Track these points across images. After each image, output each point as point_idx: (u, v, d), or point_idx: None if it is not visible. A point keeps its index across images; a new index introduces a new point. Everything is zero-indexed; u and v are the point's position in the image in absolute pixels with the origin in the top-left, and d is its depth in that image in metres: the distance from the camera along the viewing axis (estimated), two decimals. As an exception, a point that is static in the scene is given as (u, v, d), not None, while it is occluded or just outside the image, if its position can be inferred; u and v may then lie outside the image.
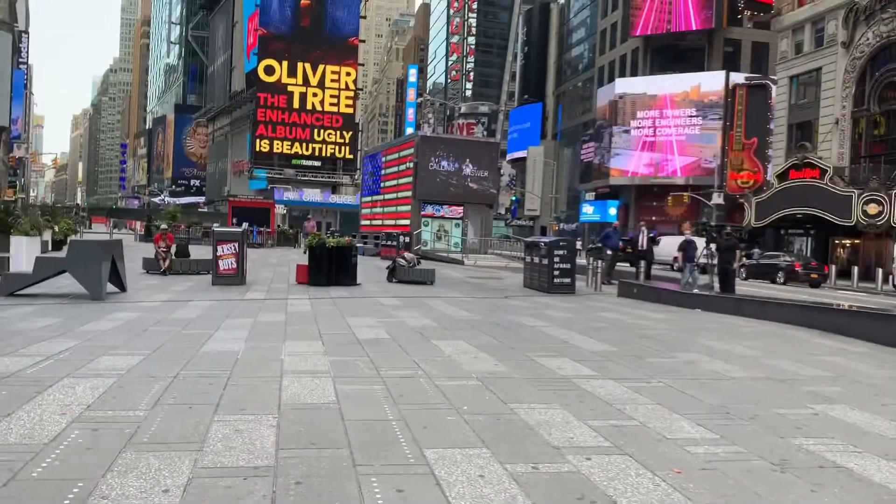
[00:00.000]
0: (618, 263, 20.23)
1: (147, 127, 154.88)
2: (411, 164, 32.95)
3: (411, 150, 33.48)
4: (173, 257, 18.56)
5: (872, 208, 37.03)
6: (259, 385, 5.85)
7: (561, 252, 16.36)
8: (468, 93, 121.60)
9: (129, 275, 17.03)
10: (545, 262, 16.50)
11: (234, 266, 15.88)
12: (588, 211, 74.35)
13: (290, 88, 75.02)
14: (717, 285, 17.14)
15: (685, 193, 58.45)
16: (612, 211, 69.54)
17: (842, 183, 39.29)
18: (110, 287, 12.96)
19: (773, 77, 54.49)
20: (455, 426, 4.86)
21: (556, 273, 16.33)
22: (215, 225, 41.45)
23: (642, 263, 19.27)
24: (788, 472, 4.20)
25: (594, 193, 73.28)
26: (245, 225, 38.98)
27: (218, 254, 15.87)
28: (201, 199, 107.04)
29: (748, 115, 54.02)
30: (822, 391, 6.55)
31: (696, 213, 62.23)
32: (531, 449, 4.43)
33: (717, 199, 54.67)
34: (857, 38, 42.92)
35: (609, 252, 19.07)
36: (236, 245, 15.92)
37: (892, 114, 41.91)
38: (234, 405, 5.18)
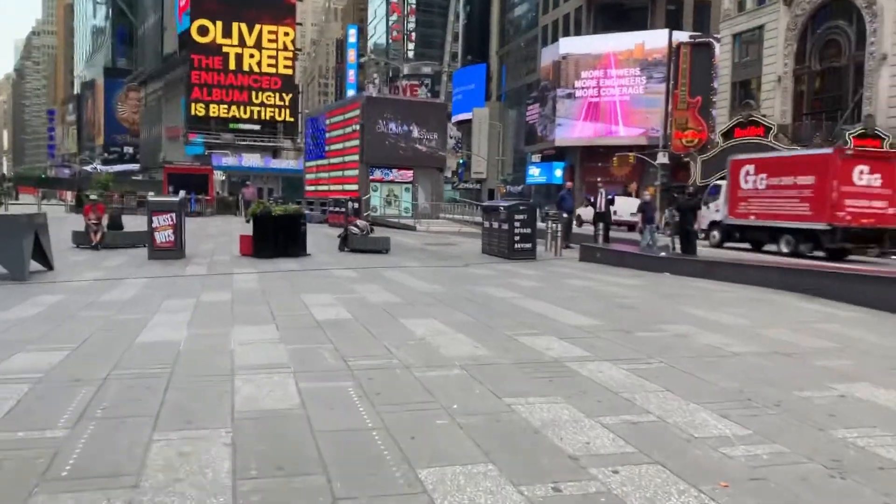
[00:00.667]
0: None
1: (76, 92, 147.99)
2: (357, 127, 31.67)
3: (357, 112, 32.15)
4: (105, 230, 17.21)
5: (816, 165, 37.36)
6: (207, 387, 4.93)
7: (521, 217, 15.64)
8: (410, 54, 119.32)
9: (57, 250, 15.69)
10: (505, 227, 15.76)
11: (172, 238, 14.70)
12: (534, 173, 74.00)
13: (225, 49, 71.98)
14: (678, 246, 16.71)
15: (630, 154, 58.38)
16: (558, 173, 69.30)
17: (786, 140, 39.57)
18: (35, 265, 11.72)
19: (716, 35, 54.55)
20: (448, 433, 4.06)
21: (517, 238, 15.63)
22: (150, 194, 39.53)
23: (601, 226, 18.71)
24: (849, 478, 3.55)
25: (540, 155, 72.88)
26: (182, 193, 37.20)
27: (154, 225, 14.66)
28: (135, 166, 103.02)
29: (692, 74, 54.00)
30: (834, 366, 5.98)
31: (642, 174, 62.47)
32: (544, 461, 3.67)
33: (662, 158, 54.67)
34: (799, -5, 43.02)
35: (565, 215, 18.43)
36: (173, 215, 14.72)
37: (833, 71, 42.29)
38: (177, 416, 4.28)
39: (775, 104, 44.44)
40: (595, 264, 14.95)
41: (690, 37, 56.63)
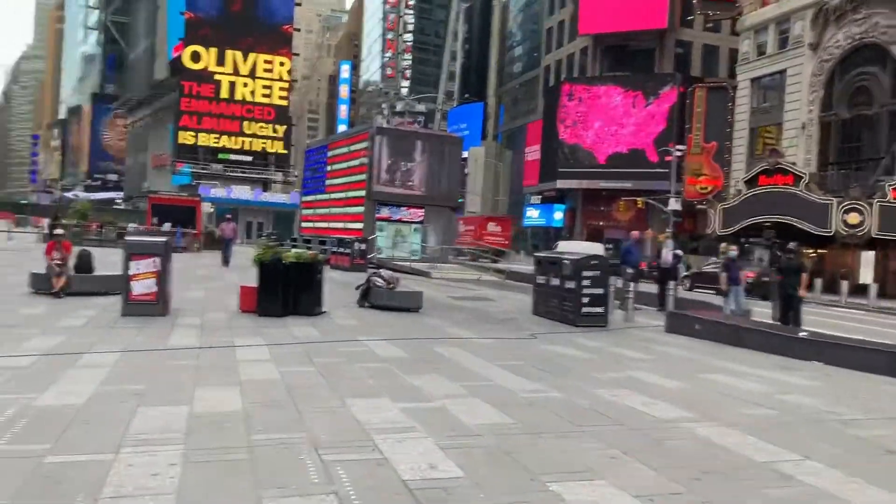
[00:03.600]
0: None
1: (61, 117, 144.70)
2: (365, 160, 28.73)
3: (365, 144, 29.25)
4: (71, 272, 13.97)
5: (853, 217, 34.80)
6: None
7: (592, 273, 12.59)
8: (404, 91, 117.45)
9: (8, 297, 12.46)
10: (570, 285, 12.69)
11: (154, 290, 11.48)
12: (533, 215, 71.47)
13: (217, 77, 69.35)
14: (776, 314, 13.72)
15: (639, 199, 55.86)
16: (559, 215, 66.84)
17: (819, 190, 37.05)
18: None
19: (726, 80, 52.49)
20: None
21: (586, 301, 12.56)
22: (131, 226, 36.25)
23: (670, 285, 15.63)
24: None
25: (540, 197, 70.34)
26: (167, 225, 33.98)
27: (132, 272, 11.44)
28: (119, 194, 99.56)
29: (707, 118, 51.80)
30: None
31: (646, 220, 59.85)
32: None
33: (674, 204, 52.02)
34: (826, 39, 41.02)
35: (630, 271, 15.40)
36: (157, 261, 11.52)
37: (863, 119, 40.12)
38: None
39: (798, 152, 42.18)
40: (694, 339, 11.75)
41: (705, 80, 54.59)
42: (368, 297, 14.11)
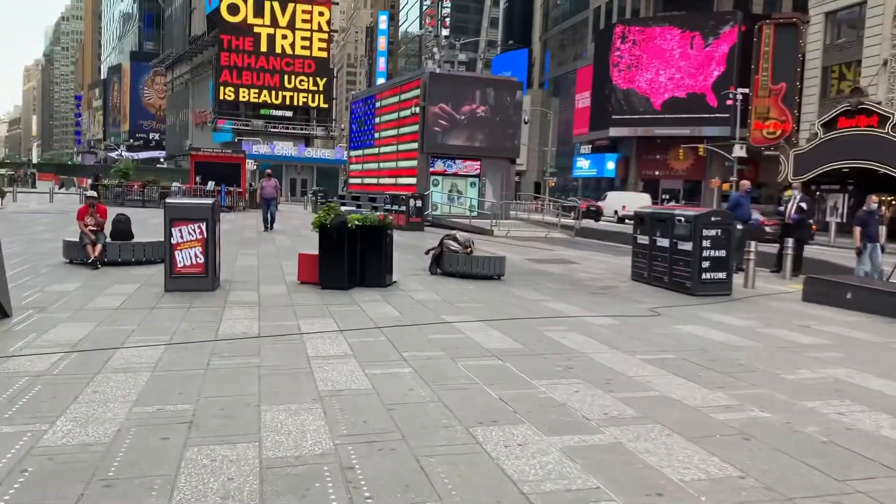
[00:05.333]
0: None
1: (102, 77, 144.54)
2: (417, 110, 26.64)
3: (416, 93, 27.10)
4: (108, 239, 12.40)
5: (950, 161, 31.77)
6: None
7: (714, 232, 10.55)
8: (443, 41, 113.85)
9: (40, 268, 11.01)
10: (686, 246, 10.66)
11: (201, 260, 9.82)
12: (583, 165, 68.76)
13: (256, 30, 67.15)
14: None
15: (701, 145, 52.74)
16: (611, 165, 64.14)
17: (905, 132, 33.92)
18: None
19: (796, 15, 48.79)
20: None
21: (706, 265, 10.55)
22: (174, 185, 34.92)
23: (789, 243, 13.38)
24: None
25: (591, 146, 67.46)
26: (211, 184, 32.54)
27: (174, 241, 9.77)
28: (161, 153, 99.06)
29: (775, 58, 48.27)
30: None
31: (703, 168, 56.79)
32: None
33: (738, 151, 49.04)
34: (914, -35, 37.36)
35: (739, 226, 13.22)
36: (204, 226, 9.82)
37: (955, 53, 36.66)
38: None
39: (879, 91, 38.85)
40: (851, 313, 9.67)
41: (774, 16, 50.86)
42: (441, 263, 12.30)
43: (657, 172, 61.44)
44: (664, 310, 9.32)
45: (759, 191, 55.73)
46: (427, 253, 12.80)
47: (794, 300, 10.65)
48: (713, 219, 10.71)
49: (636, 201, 44.37)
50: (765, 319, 8.89)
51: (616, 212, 45.72)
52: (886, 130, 34.10)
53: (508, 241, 20.82)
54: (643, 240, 11.90)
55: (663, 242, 11.24)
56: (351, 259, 10.33)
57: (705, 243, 10.51)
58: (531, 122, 78.91)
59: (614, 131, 60.76)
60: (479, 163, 27.40)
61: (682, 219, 10.76)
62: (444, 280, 11.71)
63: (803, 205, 13.64)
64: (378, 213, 10.70)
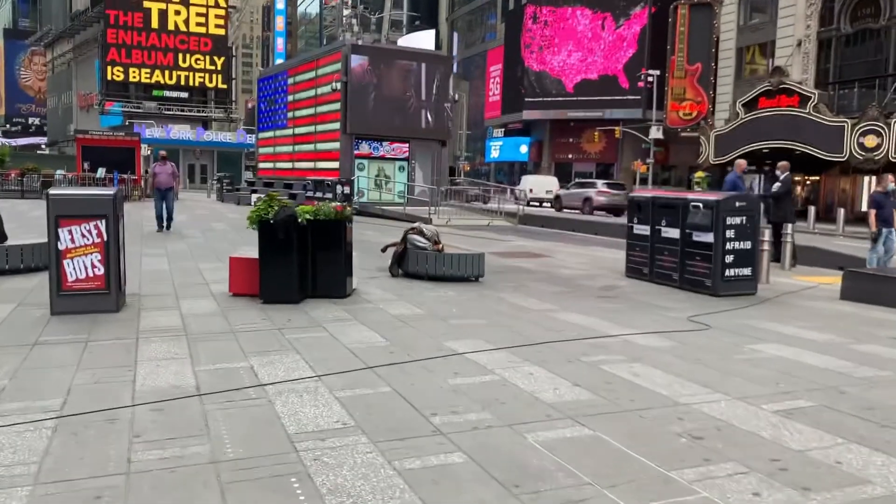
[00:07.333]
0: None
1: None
2: (337, 86, 24.08)
3: (336, 67, 24.49)
4: (-29, 242, 9.55)
5: (870, 140, 31.89)
6: None
7: (738, 220, 8.83)
8: (351, 20, 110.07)
9: None
10: (704, 238, 8.90)
11: (101, 272, 7.24)
12: (496, 149, 67.53)
13: (146, 5, 62.08)
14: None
15: (616, 128, 52.24)
16: (524, 149, 63.21)
17: (829, 112, 33.98)
18: None
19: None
20: None
21: (729, 260, 8.83)
22: (59, 173, 31.00)
23: (787, 227, 11.82)
24: None
25: (503, 130, 66.30)
26: (101, 171, 28.94)
27: (63, 246, 7.15)
28: (42, 139, 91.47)
29: (690, 38, 48.09)
30: None
31: (616, 151, 56.50)
32: None
33: (655, 133, 48.81)
34: (825, -53, 37.67)
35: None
36: (103, 225, 7.25)
37: (868, 33, 37.12)
38: None
39: (794, 71, 39.00)
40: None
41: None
42: (403, 263, 10.12)
43: (570, 156, 60.96)
44: (704, 318, 7.49)
45: (670, 173, 55.98)
46: (384, 250, 10.58)
47: (832, 299, 9.07)
48: (737, 204, 8.96)
49: (543, 185, 44.02)
50: (839, 330, 7.16)
51: (525, 194, 44.97)
52: (808, 110, 34.06)
53: (451, 230, 18.76)
54: (642, 230, 10.06)
55: (671, 233, 9.44)
56: (302, 263, 8.01)
57: (729, 234, 8.77)
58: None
59: (527, 114, 59.72)
60: (407, 145, 25.14)
61: (701, 205, 8.97)
62: (410, 284, 9.54)
63: (778, 173, 12.24)
64: (334, 204, 8.40)
